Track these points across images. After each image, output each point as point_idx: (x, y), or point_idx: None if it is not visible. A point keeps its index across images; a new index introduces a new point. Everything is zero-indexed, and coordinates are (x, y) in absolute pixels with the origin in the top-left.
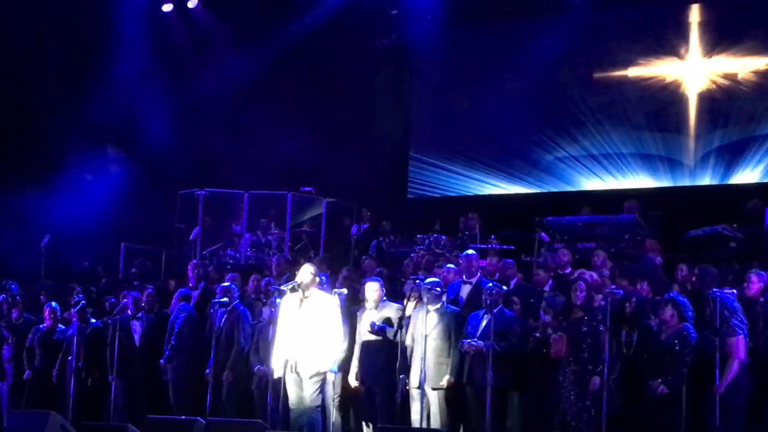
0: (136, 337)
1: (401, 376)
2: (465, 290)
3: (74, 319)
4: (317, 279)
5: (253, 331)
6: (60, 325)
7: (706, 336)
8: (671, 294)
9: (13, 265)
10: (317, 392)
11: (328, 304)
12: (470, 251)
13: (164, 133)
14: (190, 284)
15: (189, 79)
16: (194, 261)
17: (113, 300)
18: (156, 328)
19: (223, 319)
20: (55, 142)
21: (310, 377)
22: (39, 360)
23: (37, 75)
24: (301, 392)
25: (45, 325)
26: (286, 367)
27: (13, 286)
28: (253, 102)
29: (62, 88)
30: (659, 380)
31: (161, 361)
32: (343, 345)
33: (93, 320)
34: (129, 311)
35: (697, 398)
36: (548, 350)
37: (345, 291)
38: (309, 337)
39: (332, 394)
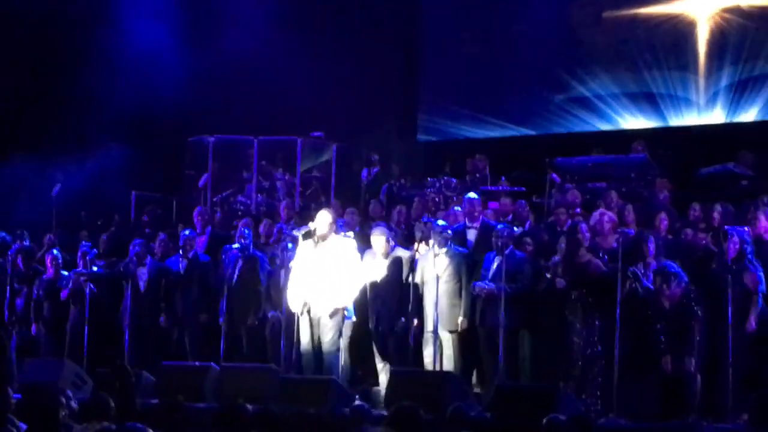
0: (141, 284)
1: (402, 320)
2: (471, 234)
3: (80, 267)
4: (335, 225)
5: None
6: (63, 272)
7: (718, 273)
8: (662, 264)
9: (23, 214)
10: (336, 335)
11: (345, 246)
12: (472, 194)
13: (173, 81)
14: (198, 230)
15: (200, 28)
16: (199, 207)
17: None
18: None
19: (238, 265)
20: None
21: (329, 318)
22: (47, 310)
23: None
24: (313, 336)
25: (47, 275)
26: (303, 308)
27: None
28: (260, 47)
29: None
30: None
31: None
32: (360, 285)
33: (95, 269)
34: (135, 259)
35: (712, 336)
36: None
37: (351, 234)
38: (326, 279)
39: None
